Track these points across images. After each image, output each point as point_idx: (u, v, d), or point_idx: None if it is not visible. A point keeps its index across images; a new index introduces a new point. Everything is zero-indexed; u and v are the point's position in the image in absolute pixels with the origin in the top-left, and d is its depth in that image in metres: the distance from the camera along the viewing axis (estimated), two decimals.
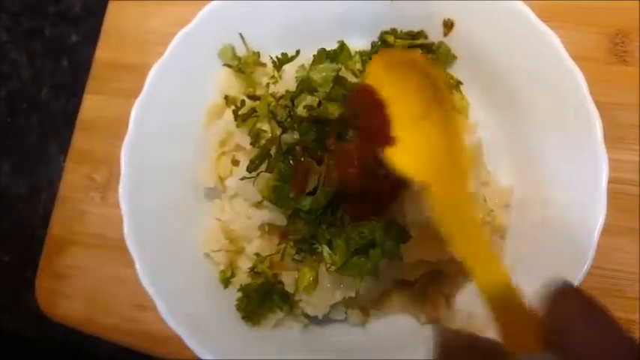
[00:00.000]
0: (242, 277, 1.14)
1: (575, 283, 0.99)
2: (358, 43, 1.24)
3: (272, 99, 1.10)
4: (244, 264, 1.14)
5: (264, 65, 1.23)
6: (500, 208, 1.11)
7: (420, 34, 1.22)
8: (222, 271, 1.15)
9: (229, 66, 1.22)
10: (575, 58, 1.07)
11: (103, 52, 1.46)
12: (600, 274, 1.19)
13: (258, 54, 1.23)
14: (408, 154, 0.87)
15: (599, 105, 1.05)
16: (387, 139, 0.87)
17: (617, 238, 1.18)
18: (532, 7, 1.09)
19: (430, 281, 1.15)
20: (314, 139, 1.03)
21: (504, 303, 0.72)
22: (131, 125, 1.12)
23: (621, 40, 1.33)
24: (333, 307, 1.10)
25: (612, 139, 1.05)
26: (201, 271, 1.16)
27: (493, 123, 1.20)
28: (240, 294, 1.12)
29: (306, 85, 1.06)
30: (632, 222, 1.23)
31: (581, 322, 0.61)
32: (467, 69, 1.22)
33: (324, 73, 1.07)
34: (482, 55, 1.18)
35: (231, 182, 1.13)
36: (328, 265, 1.00)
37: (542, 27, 1.07)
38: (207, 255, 1.17)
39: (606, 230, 1.01)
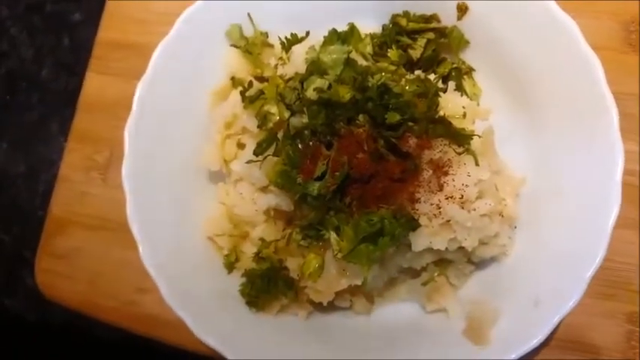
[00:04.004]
0: (246, 262, 1.12)
1: (588, 275, 0.98)
2: (369, 26, 1.22)
3: (280, 81, 1.08)
4: (249, 249, 1.13)
5: (271, 46, 1.20)
6: (511, 197, 1.09)
7: (433, 17, 1.20)
8: (227, 256, 1.14)
9: (236, 46, 1.19)
10: (589, 47, 1.05)
11: (105, 32, 1.43)
12: (607, 267, 1.15)
13: (266, 34, 1.20)
14: None
15: (612, 95, 1.03)
16: None
17: (623, 229, 1.14)
18: None
19: (437, 270, 1.14)
20: (323, 123, 1.00)
21: None
22: (135, 105, 1.10)
23: (636, 29, 1.31)
24: (338, 294, 1.09)
25: (621, 130, 1.02)
26: (205, 255, 1.14)
27: (507, 110, 1.18)
28: (244, 279, 1.11)
29: (315, 67, 1.04)
30: (636, 213, 1.21)
31: None
32: (480, 55, 1.20)
33: (334, 55, 1.04)
34: (497, 40, 1.15)
35: (236, 166, 1.11)
36: (335, 252, 0.98)
37: (561, 14, 1.05)
38: (210, 239, 1.15)
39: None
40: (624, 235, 1.18)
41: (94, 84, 1.40)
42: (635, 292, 1.19)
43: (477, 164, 1.02)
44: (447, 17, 1.19)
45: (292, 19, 1.19)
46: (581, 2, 1.27)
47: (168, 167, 1.14)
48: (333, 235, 0.99)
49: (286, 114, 1.03)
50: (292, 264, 1.07)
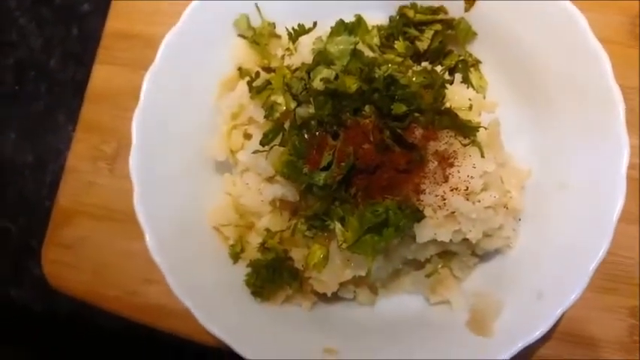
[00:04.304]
0: (252, 253, 1.13)
1: (591, 268, 0.98)
2: (376, 17, 1.22)
3: (287, 71, 1.08)
4: (254, 239, 1.13)
5: (279, 37, 1.21)
6: (516, 189, 1.09)
7: (440, 9, 1.20)
8: (232, 246, 1.14)
9: (244, 37, 1.20)
10: (598, 40, 1.05)
11: (113, 22, 1.44)
12: (610, 260, 1.14)
13: (273, 25, 1.20)
14: None
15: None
16: None
17: (624, 223, 1.13)
18: None
19: (441, 262, 1.14)
20: (329, 113, 1.00)
21: None
22: (142, 95, 1.11)
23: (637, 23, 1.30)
24: (343, 285, 1.09)
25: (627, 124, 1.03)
26: (211, 245, 1.15)
27: (513, 103, 1.18)
28: (249, 269, 1.11)
29: (322, 58, 1.04)
30: (637, 207, 1.20)
31: None
32: (488, 47, 1.20)
33: (341, 46, 1.04)
34: (505, 33, 1.15)
35: (242, 156, 1.11)
36: (340, 242, 0.98)
37: (569, 7, 1.05)
38: (216, 229, 1.16)
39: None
40: (626, 229, 1.18)
41: (102, 74, 1.40)
42: (637, 286, 1.19)
43: (482, 156, 1.03)
44: (455, 9, 1.19)
45: (300, 10, 1.19)
46: None
47: (175, 158, 1.14)
48: (338, 226, 0.99)
49: (293, 104, 1.03)
50: (297, 254, 1.08)
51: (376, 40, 1.16)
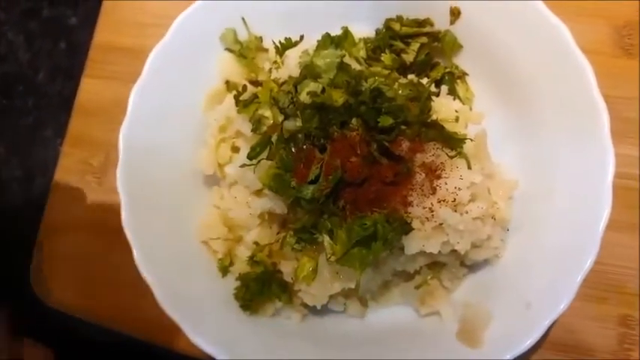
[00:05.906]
0: (241, 266, 1.13)
1: (579, 278, 0.98)
2: (362, 30, 1.22)
3: (274, 85, 1.08)
4: (243, 252, 1.13)
5: (266, 50, 1.21)
6: (504, 199, 1.10)
7: (426, 21, 1.21)
8: (221, 260, 1.14)
9: (231, 50, 1.20)
10: (582, 51, 1.06)
11: (101, 35, 1.44)
12: (601, 270, 1.16)
13: (260, 39, 1.21)
14: None
15: (605, 99, 1.04)
16: None
17: (618, 233, 1.16)
18: None
19: (430, 273, 1.14)
20: (317, 127, 1.01)
21: None
22: (129, 109, 1.11)
23: (628, 33, 1.32)
24: (332, 297, 1.09)
25: (616, 133, 1.03)
26: (200, 259, 1.14)
27: (499, 114, 1.19)
28: (238, 283, 1.11)
29: (309, 71, 1.04)
30: (634, 217, 1.21)
31: None
32: (473, 59, 1.21)
33: (328, 59, 1.05)
34: (490, 44, 1.16)
35: (230, 169, 1.12)
36: (329, 256, 0.98)
37: (552, 18, 1.06)
38: (205, 243, 1.15)
39: (608, 225, 1.00)
40: (622, 238, 1.19)
41: (90, 87, 1.40)
42: (630, 294, 1.19)
43: (469, 167, 1.03)
44: (440, 22, 1.20)
45: (286, 23, 1.20)
46: (574, 7, 1.29)
47: (162, 171, 1.14)
48: (326, 239, 0.99)
49: (280, 118, 1.04)
50: (286, 267, 1.08)
51: (363, 53, 1.17)
